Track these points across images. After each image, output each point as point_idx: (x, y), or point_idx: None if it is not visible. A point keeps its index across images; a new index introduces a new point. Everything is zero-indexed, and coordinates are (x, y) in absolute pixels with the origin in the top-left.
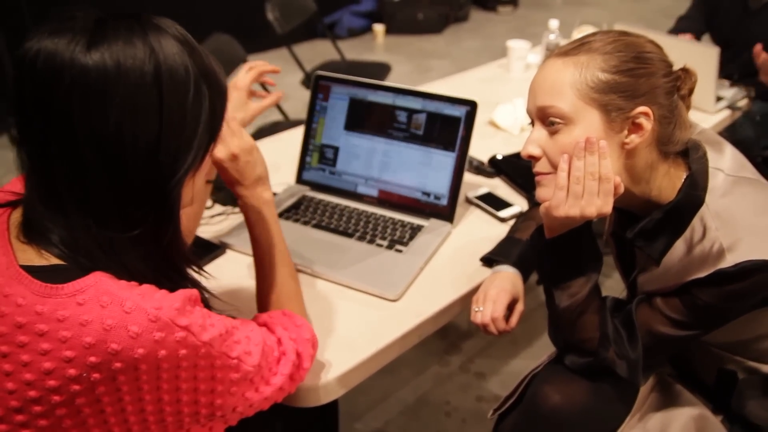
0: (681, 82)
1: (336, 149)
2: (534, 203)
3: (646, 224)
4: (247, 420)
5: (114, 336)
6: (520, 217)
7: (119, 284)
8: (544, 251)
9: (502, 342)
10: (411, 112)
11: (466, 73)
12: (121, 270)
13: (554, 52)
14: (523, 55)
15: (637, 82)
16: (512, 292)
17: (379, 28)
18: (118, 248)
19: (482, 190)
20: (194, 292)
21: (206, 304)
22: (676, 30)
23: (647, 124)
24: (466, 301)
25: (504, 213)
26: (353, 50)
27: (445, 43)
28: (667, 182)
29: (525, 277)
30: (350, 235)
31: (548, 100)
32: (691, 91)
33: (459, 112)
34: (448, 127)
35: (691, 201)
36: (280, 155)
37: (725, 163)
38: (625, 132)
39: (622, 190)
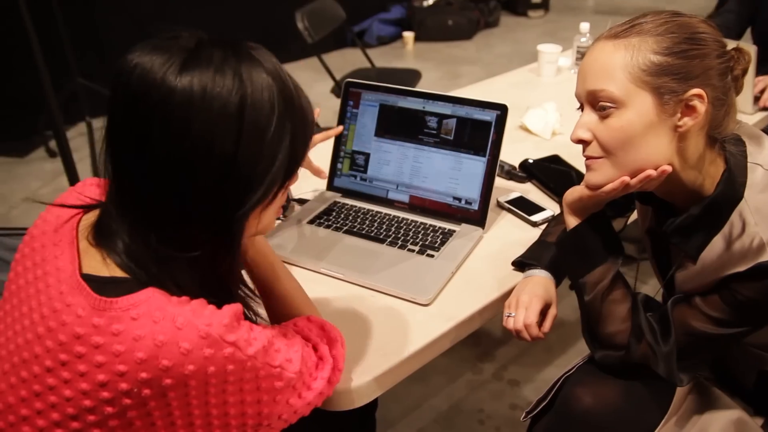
0: (734, 63)
1: (367, 156)
2: None
3: (683, 220)
4: (288, 427)
5: (165, 352)
6: (551, 221)
7: (171, 300)
8: (565, 243)
9: (536, 349)
10: (441, 117)
11: (496, 78)
12: (173, 287)
13: (604, 35)
14: (554, 59)
15: (691, 64)
16: (545, 297)
17: (408, 35)
18: (173, 266)
19: (514, 195)
20: (239, 307)
21: (248, 319)
22: (718, 24)
23: (701, 107)
24: (498, 305)
25: (536, 217)
26: (383, 58)
27: (475, 48)
28: (713, 171)
29: (558, 281)
30: (382, 241)
31: (599, 83)
32: (744, 72)
33: (489, 116)
34: (478, 131)
35: (730, 196)
36: None
37: (765, 157)
38: (678, 115)
39: (669, 169)
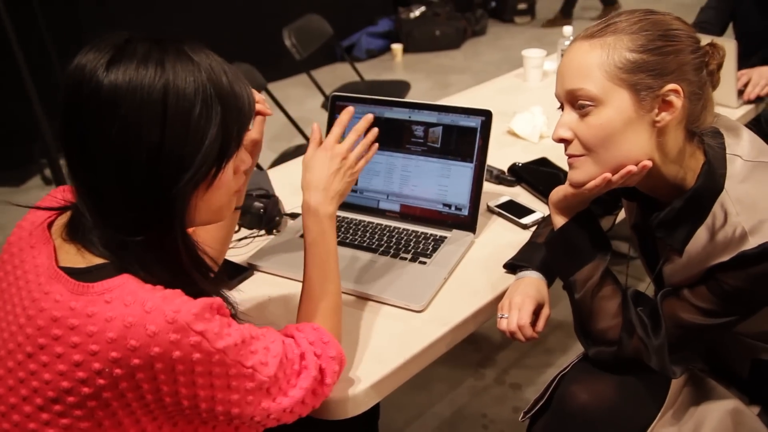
0: (709, 58)
1: None
2: None
3: (666, 214)
4: None
5: (133, 333)
6: (541, 222)
7: (144, 287)
8: (554, 243)
9: (537, 352)
10: (427, 125)
11: (483, 85)
12: (144, 273)
13: (580, 35)
14: (539, 64)
15: (665, 60)
16: (537, 297)
17: (397, 47)
18: (135, 252)
19: (503, 199)
20: (217, 300)
21: (233, 315)
22: (699, 21)
23: (677, 102)
24: (492, 308)
25: (526, 220)
26: (373, 71)
27: (463, 57)
28: (693, 164)
29: (549, 282)
30: (374, 251)
31: (577, 83)
32: (719, 66)
33: (474, 122)
34: (464, 138)
35: (710, 188)
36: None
37: (743, 148)
38: (656, 110)
39: (649, 164)
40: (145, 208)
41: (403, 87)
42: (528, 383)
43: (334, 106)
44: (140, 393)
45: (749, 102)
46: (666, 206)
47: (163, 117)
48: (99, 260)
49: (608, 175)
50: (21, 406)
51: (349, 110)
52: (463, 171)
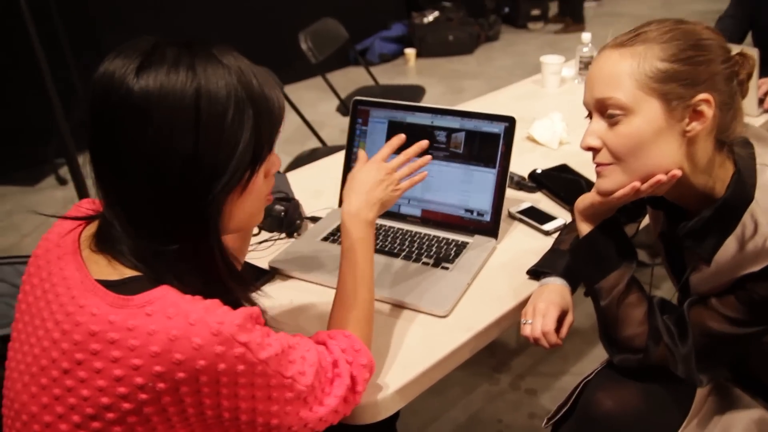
0: (739, 67)
1: None
2: None
3: (695, 224)
4: None
5: (178, 346)
6: (564, 229)
7: (185, 298)
8: (579, 250)
9: (552, 358)
10: (450, 131)
11: (500, 91)
12: (179, 283)
13: (609, 44)
14: (557, 70)
15: (697, 70)
16: (561, 304)
17: (410, 51)
18: (170, 262)
19: (524, 205)
20: (256, 310)
21: (266, 323)
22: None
23: (708, 111)
24: (515, 314)
25: (548, 226)
26: (386, 75)
27: (477, 63)
28: (723, 174)
29: (573, 288)
30: (396, 255)
31: (607, 91)
32: (749, 76)
33: (497, 128)
34: (487, 144)
35: (741, 198)
36: (321, 181)
37: None
38: (686, 120)
39: (679, 173)
40: (179, 216)
41: (418, 91)
42: (543, 389)
43: (356, 110)
44: (182, 407)
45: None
46: (693, 215)
47: (196, 122)
48: (131, 272)
49: (637, 184)
50: (57, 424)
51: (401, 137)
52: (486, 177)
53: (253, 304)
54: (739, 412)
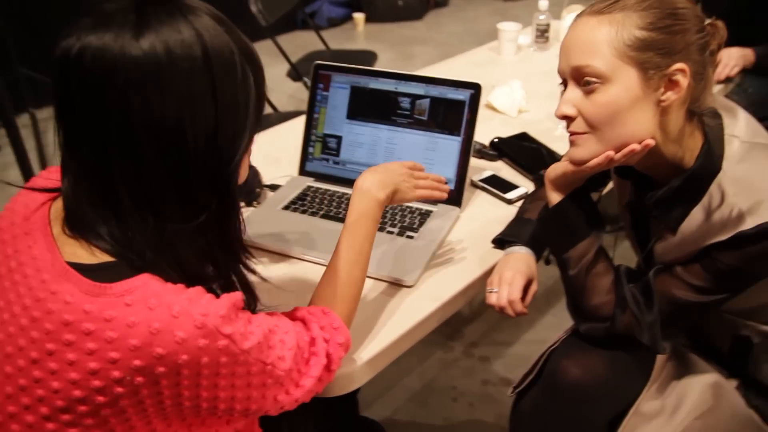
0: (710, 38)
1: (339, 139)
2: (541, 183)
3: (664, 193)
4: None
5: (160, 340)
6: (527, 197)
7: (167, 287)
8: (549, 220)
9: (505, 325)
10: (414, 97)
11: (457, 58)
12: (172, 268)
13: (586, 11)
14: (514, 38)
15: (673, 39)
16: (527, 273)
17: (359, 16)
18: (176, 242)
19: (486, 173)
20: (239, 296)
21: (247, 306)
22: None
23: (684, 81)
24: (481, 283)
25: (511, 195)
26: (334, 40)
27: (426, 28)
28: (692, 144)
29: (538, 257)
30: None
31: (584, 59)
32: (719, 47)
33: (463, 95)
34: (452, 111)
35: (709, 168)
36: (279, 148)
37: (740, 129)
38: (662, 89)
39: (652, 143)
40: (203, 188)
41: (369, 57)
42: (496, 356)
43: (317, 75)
44: (160, 399)
45: (719, 82)
46: (661, 185)
47: (212, 83)
48: (107, 257)
49: (611, 153)
50: (22, 415)
51: (444, 189)
52: (450, 145)
53: (247, 285)
54: (696, 376)
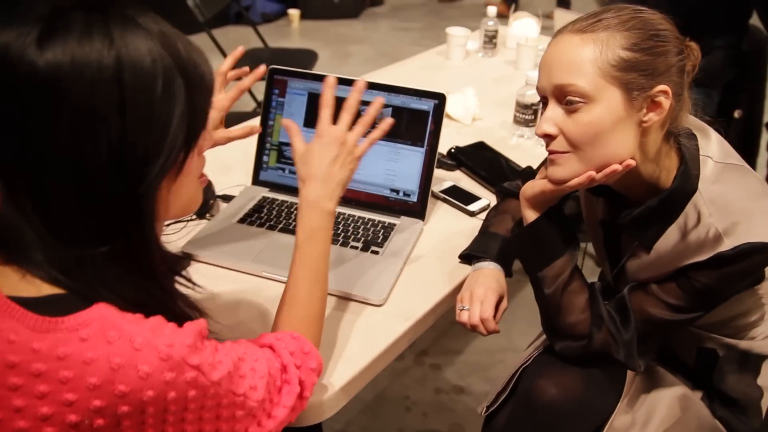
0: (687, 59)
1: None
2: (503, 195)
3: (640, 212)
4: None
5: (122, 376)
6: (491, 210)
7: (125, 317)
8: (524, 237)
9: (454, 332)
10: None
11: (404, 62)
12: (112, 295)
13: (568, 28)
14: (463, 43)
15: (656, 61)
16: (498, 290)
17: (294, 12)
18: (92, 267)
19: (447, 184)
20: (203, 324)
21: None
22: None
23: (666, 103)
24: (450, 300)
25: (473, 207)
26: (269, 36)
27: (362, 27)
28: (668, 163)
29: (507, 272)
30: None
31: (567, 77)
32: (694, 68)
33: (426, 105)
34: (415, 121)
35: (686, 188)
36: (228, 155)
37: (713, 150)
38: (644, 110)
39: (633, 163)
40: (109, 211)
41: (310, 57)
42: (447, 363)
43: (272, 80)
44: None
45: None
46: (635, 203)
47: (121, 99)
48: (51, 288)
49: (593, 173)
50: None
51: (331, 83)
52: (413, 155)
53: (196, 310)
54: (664, 389)
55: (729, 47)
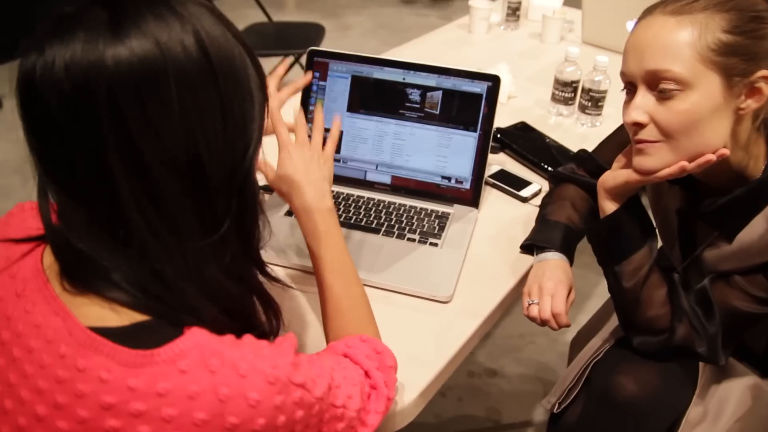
0: None
1: (339, 133)
2: (555, 181)
3: (728, 201)
4: None
5: (231, 407)
6: (545, 196)
7: (223, 342)
8: (603, 229)
9: None
10: (425, 89)
11: (426, 37)
12: (206, 299)
13: (658, 10)
14: (486, 16)
15: (758, 44)
16: (567, 282)
17: None
18: (201, 264)
19: (494, 168)
20: (293, 337)
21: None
22: None
23: (766, 88)
24: (516, 293)
25: (525, 192)
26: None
27: None
28: (756, 151)
29: (571, 263)
30: (375, 231)
31: (662, 63)
32: None
33: (479, 88)
34: (467, 105)
35: None
36: (266, 143)
37: None
38: (742, 97)
39: (727, 152)
40: (222, 194)
41: (317, 31)
42: (477, 346)
43: (312, 62)
44: None
45: None
46: (716, 192)
47: (212, 74)
48: (134, 313)
49: (685, 163)
50: None
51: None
52: (466, 141)
53: (276, 313)
54: (734, 380)
55: None
